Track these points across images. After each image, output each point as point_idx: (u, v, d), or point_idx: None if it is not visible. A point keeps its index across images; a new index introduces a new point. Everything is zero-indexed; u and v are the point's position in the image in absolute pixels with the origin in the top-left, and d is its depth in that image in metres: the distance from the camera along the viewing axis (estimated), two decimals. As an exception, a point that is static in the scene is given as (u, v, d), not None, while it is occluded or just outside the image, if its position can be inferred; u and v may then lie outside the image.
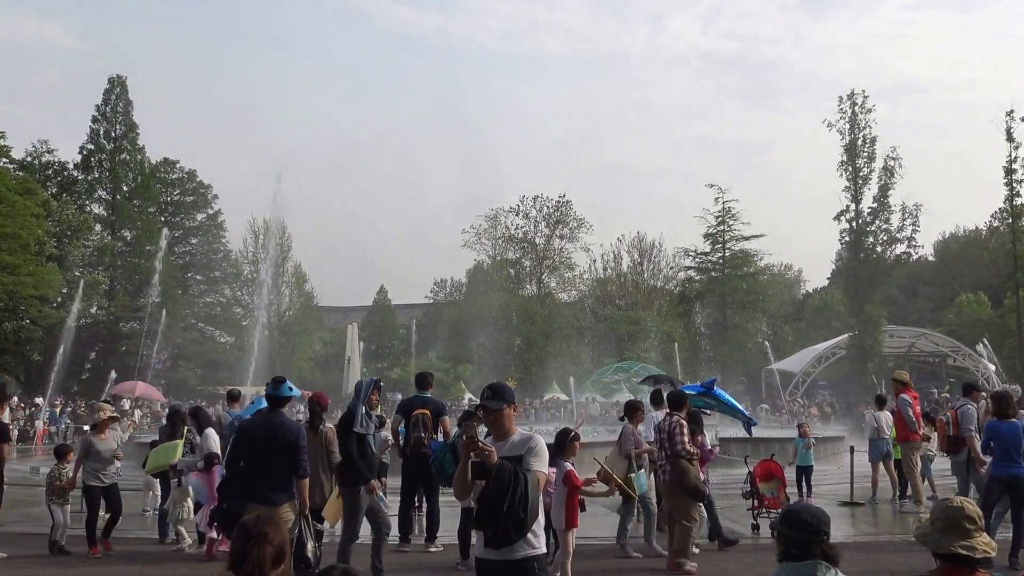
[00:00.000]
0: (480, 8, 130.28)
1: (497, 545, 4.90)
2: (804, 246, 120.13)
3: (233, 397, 15.94)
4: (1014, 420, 10.82)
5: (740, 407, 12.31)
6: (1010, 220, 49.66)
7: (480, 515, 4.96)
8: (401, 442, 12.19)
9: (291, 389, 8.59)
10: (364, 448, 9.48)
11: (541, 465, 5.07)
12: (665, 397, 12.06)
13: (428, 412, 11.88)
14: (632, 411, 12.19)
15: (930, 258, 74.88)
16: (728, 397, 12.41)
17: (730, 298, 62.11)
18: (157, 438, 14.30)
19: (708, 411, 13.85)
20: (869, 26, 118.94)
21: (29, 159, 57.50)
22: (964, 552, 3.80)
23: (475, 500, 5.06)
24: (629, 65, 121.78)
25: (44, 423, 40.19)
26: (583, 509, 9.60)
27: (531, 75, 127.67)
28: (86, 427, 14.61)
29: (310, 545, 7.96)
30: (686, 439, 10.60)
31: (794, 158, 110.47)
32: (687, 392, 12.36)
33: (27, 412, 42.26)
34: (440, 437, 11.66)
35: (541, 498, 5.07)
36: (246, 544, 3.52)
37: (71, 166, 59.27)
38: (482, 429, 5.83)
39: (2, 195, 46.65)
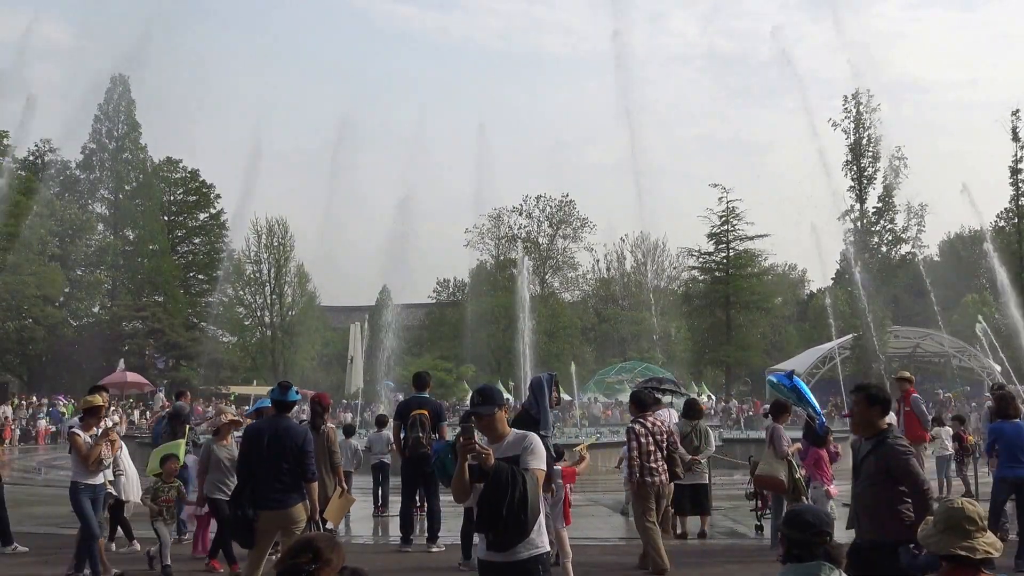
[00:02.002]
0: (479, 6, 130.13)
1: (500, 548, 4.89)
2: (807, 246, 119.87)
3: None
4: (1017, 420, 10.70)
5: (816, 405, 12.23)
6: (1016, 220, 49.45)
7: (480, 518, 4.93)
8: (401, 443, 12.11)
9: (296, 394, 8.66)
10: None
11: (539, 463, 5.05)
12: (770, 406, 12.30)
13: (426, 412, 11.80)
14: (780, 411, 12.07)
15: (935, 258, 74.63)
16: (807, 392, 12.34)
17: (734, 298, 61.90)
18: (151, 439, 14.27)
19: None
20: (869, 25, 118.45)
21: (31, 158, 57.52)
22: (964, 553, 3.80)
23: (476, 503, 5.00)
24: (628, 64, 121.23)
25: (46, 422, 40.21)
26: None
27: (531, 74, 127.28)
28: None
29: None
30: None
31: (795, 158, 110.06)
32: (782, 387, 12.47)
33: (29, 411, 42.29)
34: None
35: (542, 496, 5.05)
36: (308, 567, 3.39)
37: (73, 165, 59.31)
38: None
39: (4, 194, 46.67)
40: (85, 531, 9.98)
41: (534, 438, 5.16)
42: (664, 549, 10.25)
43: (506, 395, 56.26)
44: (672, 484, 11.17)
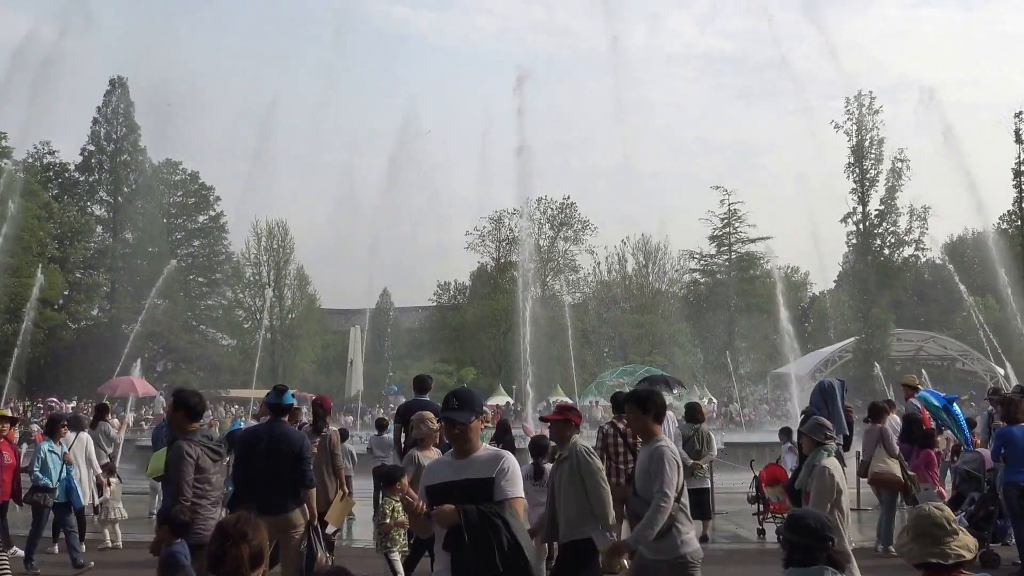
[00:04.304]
0: (475, 6, 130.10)
1: None
2: (809, 248, 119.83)
3: None
4: (1024, 424, 10.54)
5: (967, 432, 12.64)
6: (1020, 223, 49.35)
7: None
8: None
9: (292, 397, 8.53)
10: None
11: (516, 490, 4.54)
12: (868, 409, 12.73)
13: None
14: (879, 413, 12.40)
15: (938, 260, 74.46)
16: (961, 418, 12.96)
17: (736, 301, 61.81)
18: (150, 442, 14.16)
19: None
20: (869, 25, 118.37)
21: (30, 160, 57.45)
22: (936, 560, 3.80)
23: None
24: (627, 65, 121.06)
25: (40, 426, 39.94)
26: None
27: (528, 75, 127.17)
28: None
29: (321, 555, 7.75)
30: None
31: (795, 159, 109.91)
32: (932, 400, 13.12)
33: (27, 415, 42.11)
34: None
35: (527, 518, 4.65)
36: (224, 544, 3.45)
37: (72, 167, 59.27)
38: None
39: (3, 197, 46.58)
40: None
41: (509, 459, 4.65)
42: None
43: (507, 399, 56.32)
44: None
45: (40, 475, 11.05)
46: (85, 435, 13.12)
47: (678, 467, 5.74)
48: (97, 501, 12.84)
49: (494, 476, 4.51)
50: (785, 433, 17.21)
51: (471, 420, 4.65)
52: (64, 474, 11.34)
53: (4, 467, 10.97)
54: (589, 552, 6.33)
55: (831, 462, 7.72)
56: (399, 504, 8.76)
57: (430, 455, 9.18)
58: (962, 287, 43.76)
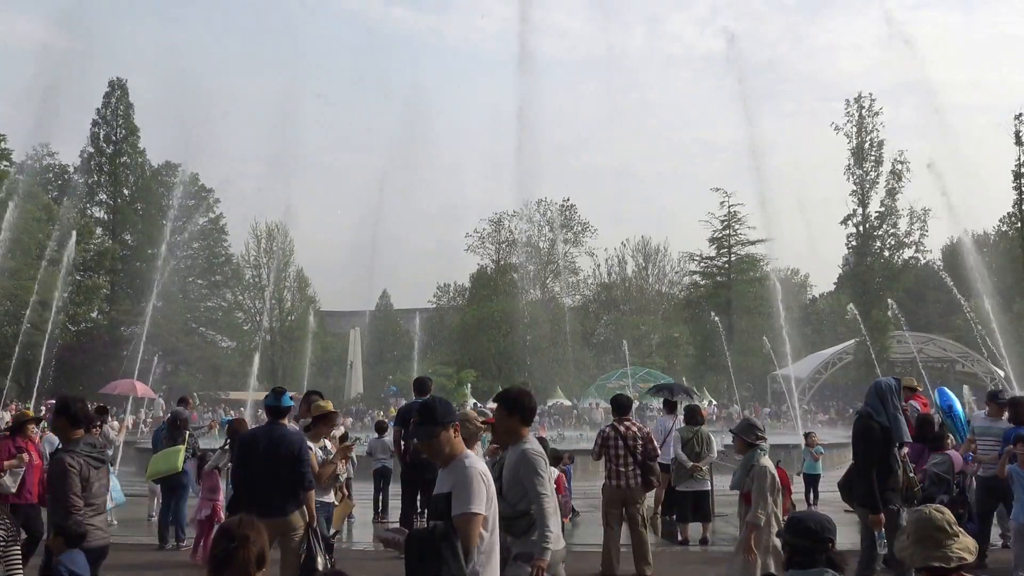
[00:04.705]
0: (474, 9, 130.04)
1: None
2: (809, 250, 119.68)
3: None
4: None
5: (964, 434, 12.76)
6: (1020, 225, 49.34)
7: None
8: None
9: (290, 399, 8.45)
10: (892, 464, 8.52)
11: (464, 506, 4.32)
12: None
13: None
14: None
15: (938, 263, 74.44)
16: (962, 419, 13.11)
17: (736, 303, 61.76)
18: (150, 444, 14.12)
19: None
20: (868, 26, 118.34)
21: (29, 162, 57.38)
22: (938, 564, 3.76)
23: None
24: (626, 67, 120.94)
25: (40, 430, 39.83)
26: (576, 514, 9.50)
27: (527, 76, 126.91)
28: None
29: (320, 559, 7.73)
30: None
31: (796, 161, 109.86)
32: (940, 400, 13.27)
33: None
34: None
35: (482, 535, 4.45)
36: (228, 546, 3.49)
37: (71, 169, 59.24)
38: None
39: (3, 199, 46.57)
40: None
41: (468, 469, 4.43)
42: (615, 555, 10.46)
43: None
44: (654, 490, 11.23)
45: None
46: None
47: (546, 465, 5.70)
48: None
49: (452, 490, 4.37)
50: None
51: (436, 434, 4.49)
52: None
53: (31, 468, 10.87)
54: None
55: (767, 461, 7.82)
56: None
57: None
58: (957, 294, 43.58)
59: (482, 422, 8.44)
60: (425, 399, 4.74)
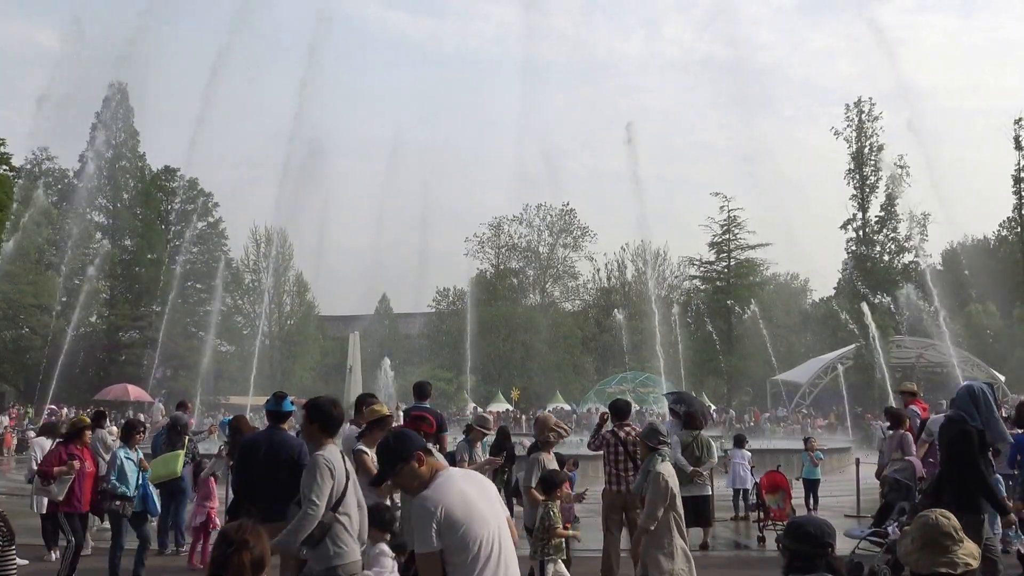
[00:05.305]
0: (473, 13, 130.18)
1: None
2: (809, 255, 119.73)
3: None
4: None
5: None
6: (1020, 230, 49.35)
7: None
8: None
9: (291, 404, 8.45)
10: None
11: (416, 544, 4.14)
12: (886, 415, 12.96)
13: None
14: (899, 420, 12.52)
15: (938, 267, 74.45)
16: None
17: (736, 308, 61.73)
18: (150, 449, 14.05)
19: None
20: (867, 31, 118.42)
21: (29, 166, 57.42)
22: (945, 570, 3.74)
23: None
24: (624, 71, 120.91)
25: (35, 431, 39.81)
26: (576, 520, 9.53)
27: (526, 81, 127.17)
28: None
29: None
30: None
31: (795, 165, 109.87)
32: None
33: (25, 421, 42.03)
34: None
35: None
36: (226, 551, 3.52)
37: (71, 173, 59.21)
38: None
39: (2, 203, 46.57)
40: None
41: (417, 504, 4.18)
42: (616, 560, 10.46)
43: (506, 406, 56.23)
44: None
45: (117, 483, 10.45)
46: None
47: (330, 476, 5.74)
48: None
49: None
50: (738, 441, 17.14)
51: (399, 471, 4.30)
52: (140, 481, 10.82)
53: (84, 475, 10.69)
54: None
55: (665, 467, 7.85)
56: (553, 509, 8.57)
57: (551, 459, 9.46)
58: (936, 306, 43.61)
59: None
60: (384, 440, 4.60)
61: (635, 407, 32.50)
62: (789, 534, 4.38)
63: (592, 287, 76.19)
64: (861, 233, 48.75)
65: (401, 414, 13.72)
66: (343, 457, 6.17)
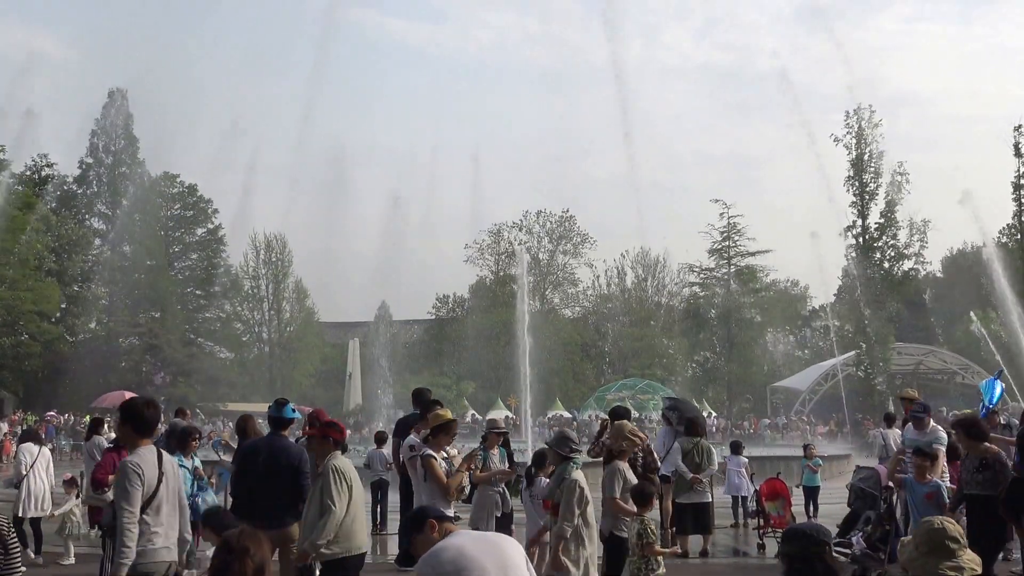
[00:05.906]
0: (471, 19, 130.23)
1: None
2: (807, 261, 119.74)
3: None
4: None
5: (992, 401, 12.73)
6: (1019, 236, 49.33)
7: None
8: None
9: (293, 411, 8.50)
10: None
11: None
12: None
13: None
14: (892, 420, 13.41)
15: (938, 274, 74.44)
16: (994, 392, 13.23)
17: (736, 315, 61.71)
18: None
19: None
20: (866, 38, 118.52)
21: (28, 173, 57.37)
22: (952, 574, 3.77)
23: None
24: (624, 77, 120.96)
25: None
26: None
27: (525, 87, 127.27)
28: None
29: (319, 571, 7.69)
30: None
31: (794, 172, 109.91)
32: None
33: (24, 427, 41.95)
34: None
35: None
36: (227, 558, 3.53)
37: (70, 180, 59.17)
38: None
39: (1, 209, 46.57)
40: None
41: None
42: None
43: (506, 413, 56.12)
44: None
45: None
46: (45, 449, 13.52)
47: (139, 480, 5.81)
48: (56, 512, 12.76)
49: None
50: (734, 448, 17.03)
51: (414, 547, 4.36)
52: (195, 489, 10.64)
53: None
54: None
55: (579, 475, 7.86)
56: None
57: (628, 468, 9.10)
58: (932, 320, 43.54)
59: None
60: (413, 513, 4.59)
61: (635, 414, 32.48)
62: (786, 539, 4.39)
63: (592, 294, 76.19)
64: (861, 240, 48.67)
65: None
66: (161, 458, 6.09)
